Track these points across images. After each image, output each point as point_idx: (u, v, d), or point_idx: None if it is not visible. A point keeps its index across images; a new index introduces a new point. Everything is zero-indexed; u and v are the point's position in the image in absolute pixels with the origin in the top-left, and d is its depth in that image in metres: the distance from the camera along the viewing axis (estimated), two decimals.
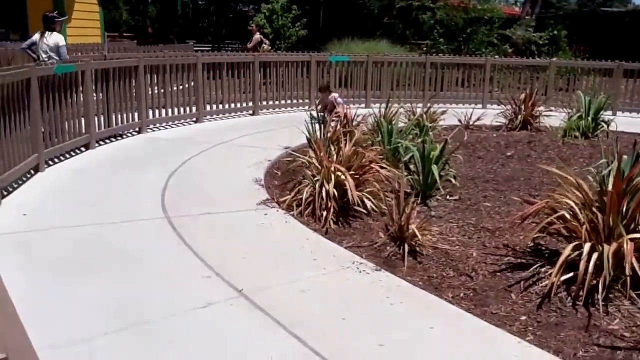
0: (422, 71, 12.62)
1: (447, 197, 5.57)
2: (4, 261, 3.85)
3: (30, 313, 3.16)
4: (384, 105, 7.58)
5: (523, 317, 3.43)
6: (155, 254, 4.12)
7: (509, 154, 7.76)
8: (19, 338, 0.87)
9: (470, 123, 9.52)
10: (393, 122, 6.90)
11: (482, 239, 4.59)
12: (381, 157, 5.77)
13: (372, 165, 5.29)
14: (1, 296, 1.00)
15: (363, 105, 11.62)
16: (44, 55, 8.03)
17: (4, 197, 5.23)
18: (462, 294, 3.70)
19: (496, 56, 15.30)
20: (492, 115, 10.20)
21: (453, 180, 5.80)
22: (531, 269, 3.95)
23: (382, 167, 5.42)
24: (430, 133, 7.05)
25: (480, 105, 12.35)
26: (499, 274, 3.99)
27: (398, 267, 4.07)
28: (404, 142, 6.18)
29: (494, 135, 9.12)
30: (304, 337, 3.02)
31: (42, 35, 8.07)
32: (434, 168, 5.31)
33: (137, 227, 4.63)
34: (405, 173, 5.49)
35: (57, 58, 8.00)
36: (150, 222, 4.74)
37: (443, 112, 8.92)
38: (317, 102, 10.38)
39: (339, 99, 9.80)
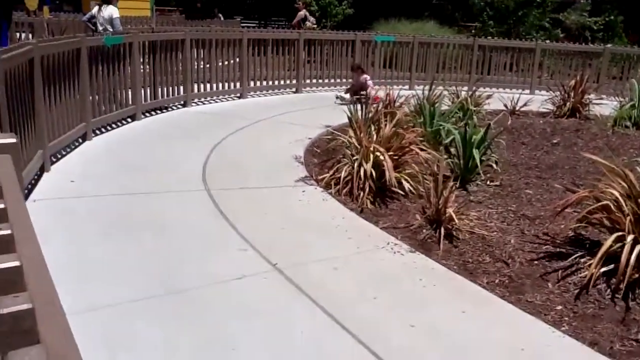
0: (469, 54, 12.38)
1: (488, 182, 5.49)
2: (51, 225, 4.00)
3: (71, 276, 3.30)
4: (428, 87, 7.48)
5: (559, 307, 3.38)
6: (194, 225, 4.21)
7: (554, 141, 7.57)
8: (49, 298, 0.91)
9: (517, 108, 9.30)
10: (436, 105, 6.81)
11: (521, 226, 4.51)
12: (422, 139, 5.72)
13: (411, 146, 5.24)
14: (37, 259, 1.04)
15: (407, 86, 11.50)
16: (100, 27, 8.52)
17: (53, 163, 5.41)
18: (497, 280, 3.67)
19: (547, 41, 14.85)
20: (539, 101, 9.94)
21: (494, 166, 5.71)
22: (570, 259, 3.88)
23: (422, 149, 5.37)
24: (474, 117, 6.93)
25: (527, 91, 12.05)
26: (536, 262, 3.93)
27: (433, 250, 4.05)
28: (445, 124, 6.10)
29: (541, 121, 8.90)
30: (334, 314, 3.06)
31: (100, 8, 8.58)
32: (475, 152, 5.24)
33: (177, 198, 4.74)
34: (446, 156, 5.43)
35: (111, 29, 8.28)
36: (191, 194, 4.84)
37: (488, 97, 8.74)
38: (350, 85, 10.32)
39: (370, 82, 9.69)
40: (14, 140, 1.71)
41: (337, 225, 4.34)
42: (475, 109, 7.59)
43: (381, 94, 8.78)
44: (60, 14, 15.05)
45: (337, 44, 11.36)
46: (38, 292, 0.89)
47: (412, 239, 4.20)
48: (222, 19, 18.56)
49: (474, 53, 12.30)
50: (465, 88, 9.36)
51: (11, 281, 0.91)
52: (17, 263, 0.94)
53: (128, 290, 3.18)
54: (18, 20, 12.23)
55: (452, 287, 3.51)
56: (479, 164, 5.29)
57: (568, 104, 9.41)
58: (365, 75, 9.81)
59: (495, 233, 4.36)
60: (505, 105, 9.25)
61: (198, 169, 5.51)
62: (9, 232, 1.06)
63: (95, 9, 8.75)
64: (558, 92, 9.69)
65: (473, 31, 17.15)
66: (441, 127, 6.19)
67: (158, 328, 2.84)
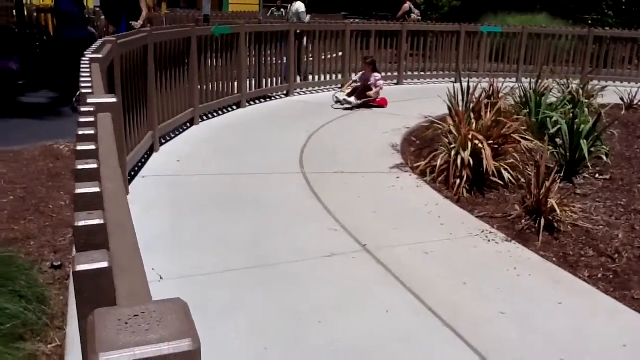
0: (583, 46, 11.65)
1: (596, 175, 5.15)
2: (156, 198, 4.25)
3: (168, 243, 3.49)
4: (535, 79, 7.14)
5: None
6: (289, 204, 4.30)
7: None
8: (121, 220, 0.96)
9: (634, 102, 8.64)
10: (544, 97, 6.48)
11: (631, 221, 4.20)
12: (525, 129, 5.47)
13: (513, 135, 5.03)
14: (118, 190, 1.10)
15: (514, 79, 11.02)
16: (289, 21, 9.88)
17: (162, 144, 5.74)
18: (600, 275, 3.45)
19: None
20: None
21: (605, 158, 5.34)
22: None
23: (524, 139, 5.14)
24: (585, 109, 6.51)
25: None
26: None
27: (531, 241, 3.87)
28: (552, 114, 5.79)
29: None
30: (421, 295, 3.01)
31: (292, 3, 10.08)
32: (583, 143, 4.93)
33: (274, 179, 4.86)
34: (551, 147, 5.16)
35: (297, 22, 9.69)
36: (288, 176, 4.94)
37: (602, 89, 8.18)
38: (353, 78, 8.79)
39: (381, 82, 8.33)
40: (114, 100, 1.84)
41: (429, 211, 4.26)
42: (586, 101, 7.13)
43: (373, 93, 8.05)
44: (177, 9, 15.91)
45: (440, 35, 11.13)
46: (113, 213, 0.95)
47: (509, 229, 4.04)
48: (283, 14, 17.57)
49: (589, 45, 11.57)
50: (577, 81, 8.81)
51: (92, 204, 0.98)
52: (97, 189, 1.01)
53: (221, 260, 3.31)
54: None
55: (549, 278, 3.33)
56: (586, 155, 4.97)
57: None
58: (376, 74, 8.31)
59: (601, 227, 4.09)
60: (622, 99, 8.61)
61: (296, 153, 5.62)
62: (95, 166, 1.14)
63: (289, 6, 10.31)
64: None
65: (590, 22, 16.13)
66: (547, 118, 5.88)
67: (248, 299, 2.94)
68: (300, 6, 9.98)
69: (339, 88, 9.24)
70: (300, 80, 9.42)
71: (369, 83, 8.15)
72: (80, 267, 0.74)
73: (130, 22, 8.45)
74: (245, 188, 4.61)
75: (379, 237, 3.74)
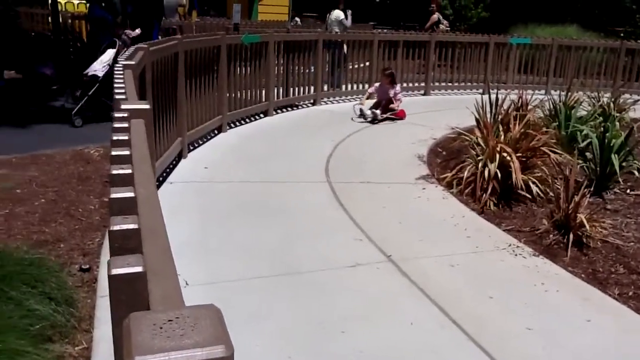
0: (614, 58, 11.47)
1: (628, 191, 5.06)
2: (183, 204, 4.30)
3: (195, 249, 3.52)
4: (565, 92, 7.04)
5: None
6: (314, 213, 4.31)
7: None
8: (155, 225, 0.97)
9: None
10: (574, 110, 6.39)
11: None
12: (554, 142, 5.40)
13: (542, 148, 4.97)
14: (151, 196, 1.12)
15: (543, 91, 10.90)
16: (329, 28, 10.26)
17: (190, 151, 5.80)
18: (631, 293, 3.37)
19: None
20: None
21: (636, 174, 5.24)
22: None
23: (553, 152, 5.07)
24: (617, 123, 6.40)
25: None
26: None
27: (559, 256, 3.81)
28: (583, 127, 5.70)
29: None
30: (446, 309, 2.98)
31: (330, 12, 10.43)
32: (614, 158, 4.85)
33: (300, 188, 4.88)
34: (580, 161, 5.08)
35: (337, 30, 10.06)
36: (313, 185, 4.95)
37: (634, 102, 8.04)
38: (369, 90, 8.66)
39: (400, 95, 8.26)
40: (147, 106, 1.87)
41: (456, 223, 4.23)
42: (617, 115, 7.01)
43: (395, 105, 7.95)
44: (207, 18, 16.14)
45: (469, 46, 11.06)
46: (146, 218, 0.96)
47: (536, 244, 3.98)
48: (298, 22, 17.37)
49: (621, 57, 11.38)
50: (608, 95, 8.67)
51: (126, 209, 1.00)
52: (132, 194, 1.03)
53: (247, 267, 3.33)
54: (170, 23, 13.24)
55: (578, 295, 3.28)
56: (617, 170, 4.88)
57: None
58: (397, 87, 8.24)
59: (632, 244, 4.01)
60: None
61: (322, 162, 5.63)
62: (129, 171, 1.16)
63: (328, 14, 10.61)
64: None
65: (622, 35, 15.89)
66: (577, 131, 5.80)
67: (274, 306, 2.95)
68: (339, 14, 10.25)
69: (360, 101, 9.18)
70: (328, 89, 9.47)
71: (391, 96, 8.05)
72: (116, 271, 0.76)
73: (126, 31, 8.57)
74: (272, 196, 4.64)
75: (404, 248, 3.72)
